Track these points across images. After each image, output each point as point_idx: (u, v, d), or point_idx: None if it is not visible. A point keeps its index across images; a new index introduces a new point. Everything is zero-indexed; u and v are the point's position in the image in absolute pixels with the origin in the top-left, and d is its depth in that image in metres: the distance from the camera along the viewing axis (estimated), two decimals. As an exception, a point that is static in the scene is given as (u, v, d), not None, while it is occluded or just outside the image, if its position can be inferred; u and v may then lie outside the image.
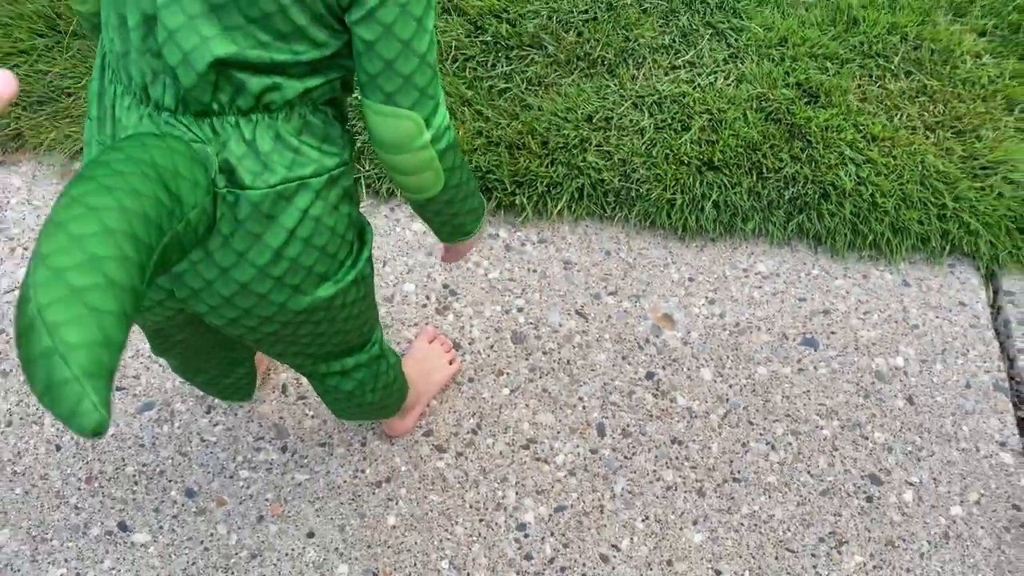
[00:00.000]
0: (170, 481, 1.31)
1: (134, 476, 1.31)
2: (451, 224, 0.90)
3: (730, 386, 1.43)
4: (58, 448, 1.33)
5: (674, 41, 1.74)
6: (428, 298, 1.52)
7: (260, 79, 0.71)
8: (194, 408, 1.38)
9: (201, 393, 1.38)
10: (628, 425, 1.39)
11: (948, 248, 1.57)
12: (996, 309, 1.54)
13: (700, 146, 1.60)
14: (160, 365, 1.42)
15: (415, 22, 0.71)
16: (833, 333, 1.50)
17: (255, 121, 0.73)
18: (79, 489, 1.29)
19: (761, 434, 1.38)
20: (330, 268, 0.83)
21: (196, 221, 0.69)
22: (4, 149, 1.66)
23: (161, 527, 1.27)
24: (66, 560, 1.23)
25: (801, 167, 1.58)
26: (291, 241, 0.77)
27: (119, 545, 1.25)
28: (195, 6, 0.68)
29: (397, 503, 1.30)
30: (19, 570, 1.22)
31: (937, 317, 1.52)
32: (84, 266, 0.53)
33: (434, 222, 0.89)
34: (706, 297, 1.53)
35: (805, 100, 1.66)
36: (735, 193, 1.57)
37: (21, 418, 1.36)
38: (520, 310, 1.51)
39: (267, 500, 1.30)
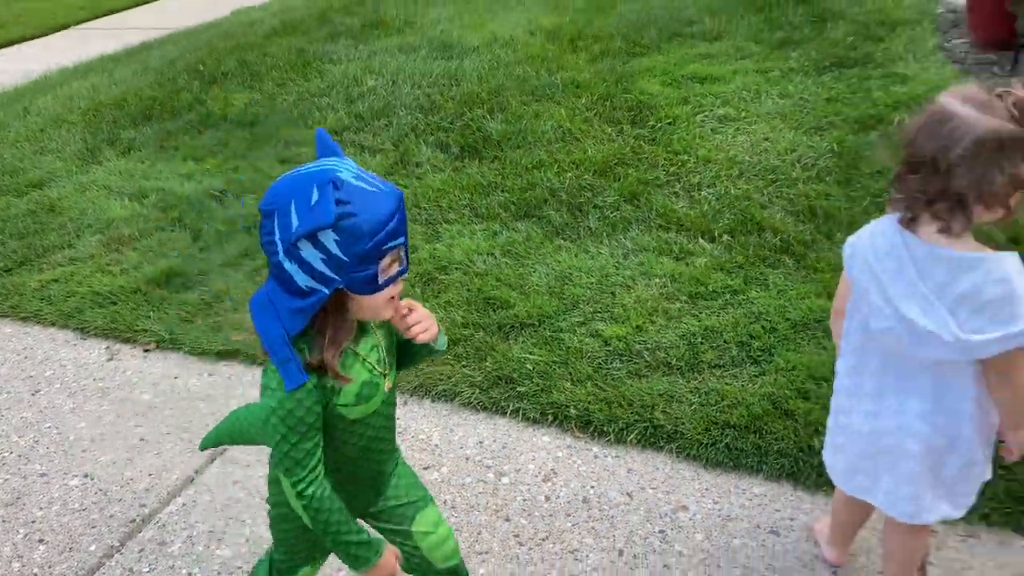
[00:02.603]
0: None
1: None
2: (334, 551, 1.51)
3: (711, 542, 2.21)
4: None
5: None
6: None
7: None
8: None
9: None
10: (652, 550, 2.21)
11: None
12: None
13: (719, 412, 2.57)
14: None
15: (277, 436, 1.37)
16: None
17: None
18: None
19: None
20: None
21: None
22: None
23: None
24: None
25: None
26: None
27: None
28: None
29: None
30: None
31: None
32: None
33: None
34: (709, 498, 2.37)
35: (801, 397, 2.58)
36: (743, 442, 2.48)
37: None
38: (582, 486, 2.46)
39: None
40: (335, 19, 7.49)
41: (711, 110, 4.66)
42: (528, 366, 2.87)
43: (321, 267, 1.27)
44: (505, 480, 2.53)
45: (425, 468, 2.60)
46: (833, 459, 1.89)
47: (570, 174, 4.06)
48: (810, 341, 2.82)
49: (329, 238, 1.25)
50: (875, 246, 1.59)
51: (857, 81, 4.80)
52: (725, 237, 3.44)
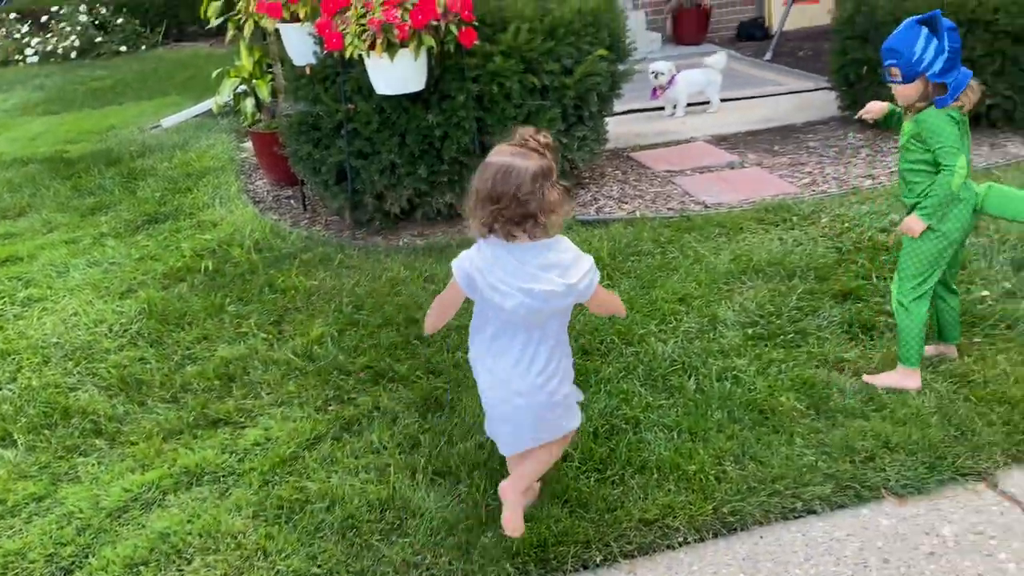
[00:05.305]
0: None
1: None
2: None
3: None
4: None
5: None
6: None
7: None
8: None
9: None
10: None
11: None
12: None
13: None
14: None
15: None
16: None
17: None
18: None
19: None
20: None
21: None
22: None
23: None
24: None
25: None
26: None
27: None
28: None
29: None
30: None
31: None
32: None
33: None
34: None
35: None
36: None
37: None
38: None
39: None
40: None
41: (12, 295, 4.23)
42: None
43: None
44: None
45: None
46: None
47: None
48: (130, 525, 2.64)
49: None
50: (484, 257, 2.16)
51: (168, 235, 4.90)
52: (28, 437, 3.07)
